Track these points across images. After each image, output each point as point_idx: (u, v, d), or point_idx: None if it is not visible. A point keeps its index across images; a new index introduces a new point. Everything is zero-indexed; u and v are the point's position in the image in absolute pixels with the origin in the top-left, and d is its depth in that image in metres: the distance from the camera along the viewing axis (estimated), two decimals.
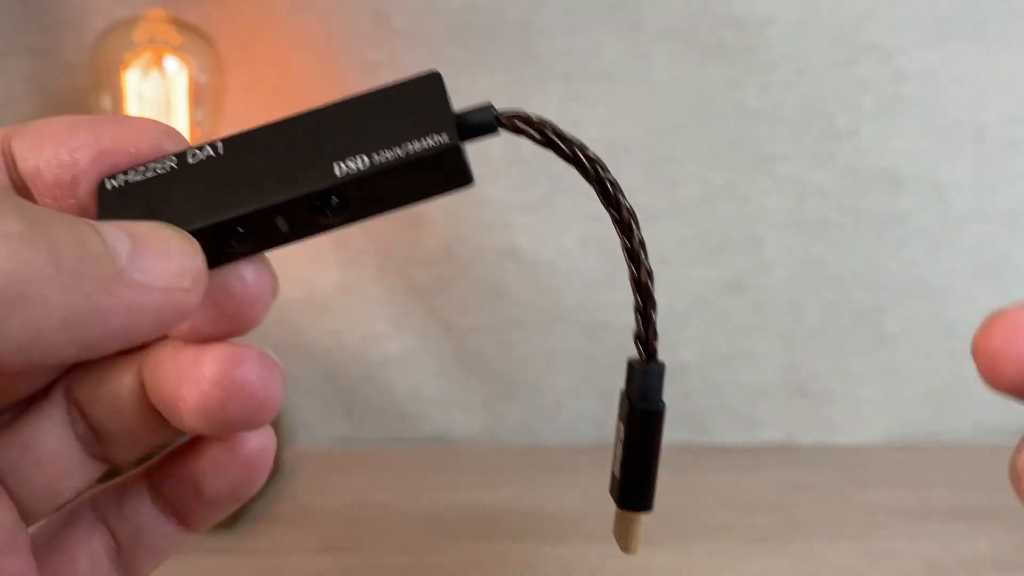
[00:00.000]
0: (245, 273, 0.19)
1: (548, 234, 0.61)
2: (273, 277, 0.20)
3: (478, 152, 0.70)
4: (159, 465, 0.22)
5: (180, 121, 0.54)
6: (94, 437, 0.21)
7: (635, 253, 0.22)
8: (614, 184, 0.22)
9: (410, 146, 0.18)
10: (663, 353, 0.71)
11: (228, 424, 0.19)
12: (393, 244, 0.61)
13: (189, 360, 0.19)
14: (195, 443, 0.21)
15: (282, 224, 0.19)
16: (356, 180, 0.18)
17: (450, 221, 0.60)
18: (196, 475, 0.21)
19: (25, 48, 0.59)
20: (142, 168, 0.19)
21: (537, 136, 0.20)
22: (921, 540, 0.48)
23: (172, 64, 0.53)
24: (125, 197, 0.19)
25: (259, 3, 0.58)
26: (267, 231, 0.19)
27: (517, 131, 0.20)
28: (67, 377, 0.21)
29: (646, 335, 0.23)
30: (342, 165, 0.18)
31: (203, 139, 0.58)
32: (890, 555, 0.47)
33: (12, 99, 0.59)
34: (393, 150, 0.18)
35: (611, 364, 0.62)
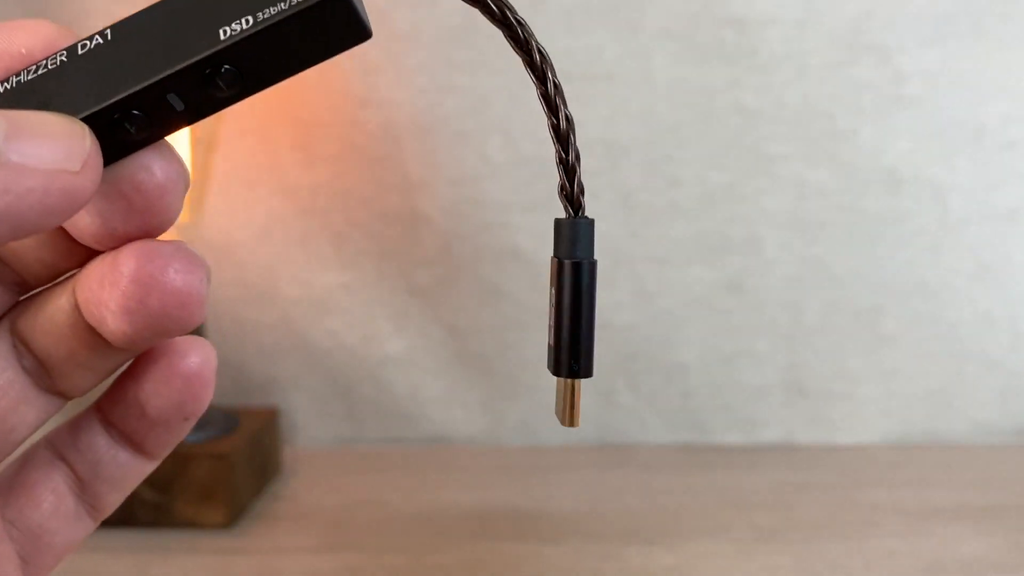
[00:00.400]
0: (150, 162, 0.19)
1: (548, 234, 0.60)
2: (180, 164, 0.19)
3: (478, 152, 0.70)
4: (106, 395, 0.22)
5: None
6: (42, 369, 0.21)
7: (550, 98, 0.21)
8: (523, 25, 0.21)
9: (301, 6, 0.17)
10: (663, 353, 0.72)
11: (151, 322, 0.19)
12: (393, 244, 0.61)
13: (108, 262, 0.19)
14: (136, 365, 0.21)
15: (176, 102, 0.18)
16: (243, 41, 0.17)
17: (450, 221, 0.60)
18: (139, 397, 0.21)
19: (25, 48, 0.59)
20: (32, 67, 0.19)
21: (495, 10, 0.20)
22: (920, 540, 0.48)
23: None
24: (16, 96, 0.18)
25: None
26: (162, 111, 0.18)
27: None
28: (9, 313, 0.21)
29: (571, 189, 0.22)
30: (227, 29, 0.17)
31: (204, 140, 0.58)
32: (889, 555, 0.47)
33: None
34: (277, 5, 0.17)
35: (611, 364, 0.62)
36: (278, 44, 0.18)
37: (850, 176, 0.60)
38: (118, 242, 0.19)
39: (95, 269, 0.19)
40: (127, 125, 0.18)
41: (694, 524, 0.50)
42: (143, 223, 0.19)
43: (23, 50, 0.19)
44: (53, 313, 0.20)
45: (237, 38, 0.17)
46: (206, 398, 0.21)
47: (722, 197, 0.60)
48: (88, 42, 0.19)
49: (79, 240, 0.20)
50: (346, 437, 0.64)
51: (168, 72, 0.17)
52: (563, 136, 0.21)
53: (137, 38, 0.18)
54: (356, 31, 0.18)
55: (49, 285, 0.21)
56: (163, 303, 0.19)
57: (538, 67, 0.21)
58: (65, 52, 0.19)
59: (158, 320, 0.19)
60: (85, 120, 0.18)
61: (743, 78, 0.59)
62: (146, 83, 0.18)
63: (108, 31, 0.19)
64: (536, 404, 0.63)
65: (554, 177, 0.68)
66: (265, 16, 0.17)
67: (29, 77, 0.18)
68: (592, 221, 0.21)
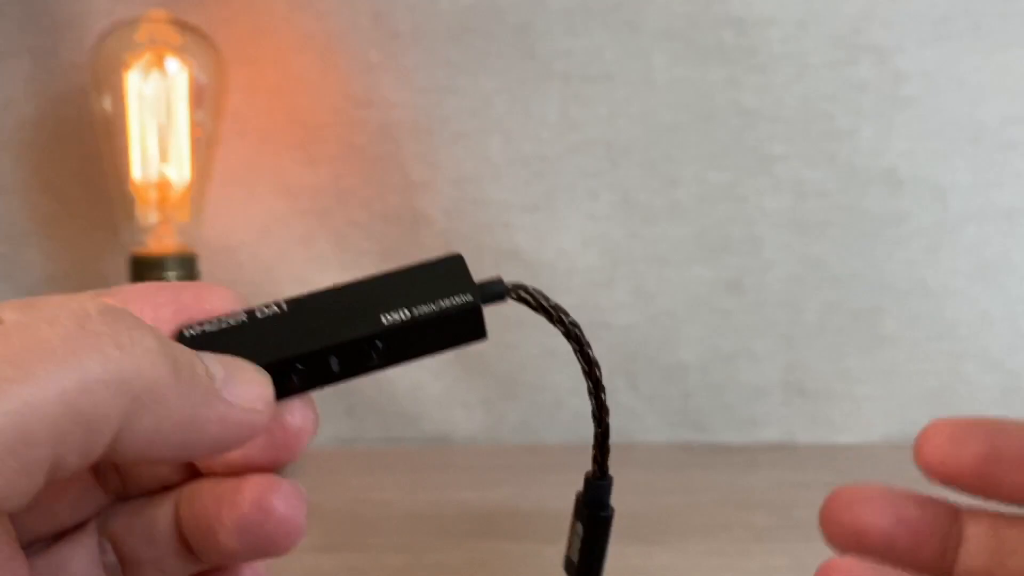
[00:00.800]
0: (296, 409, 0.22)
1: (548, 234, 0.61)
2: (316, 416, 0.23)
3: (478, 152, 0.70)
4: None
5: (181, 121, 0.54)
6: (120, 567, 0.23)
7: (597, 394, 0.28)
8: (586, 344, 0.27)
9: (442, 303, 0.23)
10: (663, 353, 0.71)
11: (258, 545, 0.22)
12: (393, 244, 0.61)
13: (230, 487, 0.22)
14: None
15: (334, 364, 0.22)
16: (398, 327, 0.22)
17: (450, 221, 0.60)
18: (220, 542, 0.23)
19: (26, 49, 0.59)
20: (216, 320, 0.22)
21: (532, 302, 0.26)
22: None
23: (173, 64, 0.54)
24: (202, 342, 0.22)
25: (259, 3, 0.58)
26: (322, 369, 0.22)
27: (519, 299, 0.25)
28: (103, 512, 0.23)
29: (602, 456, 0.29)
30: (387, 316, 0.22)
31: (205, 140, 0.58)
32: None
33: (13, 100, 0.59)
34: (428, 305, 0.23)
35: (611, 364, 0.62)
36: (422, 332, 0.23)
37: (850, 176, 0.60)
38: (241, 470, 0.22)
39: (209, 491, 0.22)
40: (293, 377, 0.22)
41: (694, 524, 0.50)
42: (276, 457, 0.22)
43: (207, 306, 0.23)
44: (152, 520, 0.23)
45: (395, 324, 0.22)
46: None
47: (722, 197, 0.60)
48: (266, 309, 0.23)
49: (206, 463, 0.23)
50: (346, 437, 0.64)
51: (336, 342, 0.22)
52: (603, 412, 0.28)
53: (308, 312, 0.23)
54: (478, 333, 0.24)
55: (146, 494, 0.23)
56: (275, 531, 0.22)
57: (594, 366, 0.27)
58: (245, 314, 0.23)
59: (265, 544, 0.22)
60: (266, 367, 0.22)
61: (743, 78, 0.59)
62: (317, 347, 0.22)
63: (284, 303, 0.23)
64: (536, 404, 0.63)
65: (554, 177, 0.68)
66: (418, 312, 0.23)
67: (212, 329, 0.22)
68: (612, 480, 0.29)
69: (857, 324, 0.62)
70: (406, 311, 0.23)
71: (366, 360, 0.23)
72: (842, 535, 0.26)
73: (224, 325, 0.22)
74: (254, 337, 0.22)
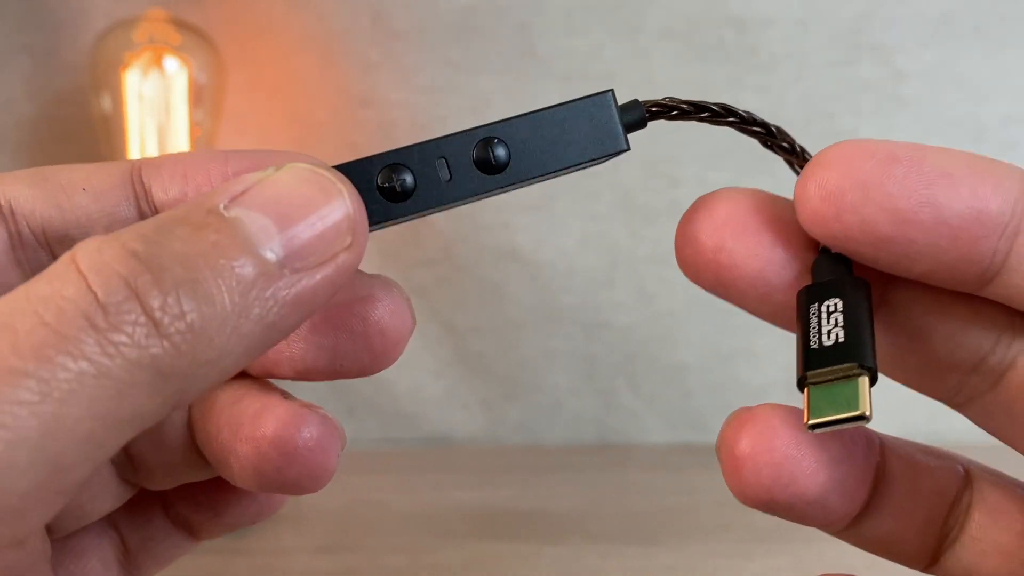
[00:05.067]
0: (400, 308, 0.19)
1: (548, 234, 0.61)
2: (410, 315, 0.19)
3: None
4: (179, 490, 0.22)
5: (180, 121, 0.54)
6: (130, 464, 0.21)
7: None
8: (774, 127, 0.22)
9: (572, 101, 0.19)
10: (663, 353, 0.71)
11: (280, 487, 0.19)
12: (393, 244, 0.61)
13: (249, 415, 0.19)
14: (221, 480, 0.21)
15: (443, 171, 0.18)
16: (517, 119, 0.18)
17: (450, 221, 0.60)
18: (217, 503, 0.21)
19: (25, 48, 0.59)
20: None
21: (683, 108, 0.21)
22: None
23: (172, 64, 0.54)
24: None
25: (259, 3, 0.58)
26: (426, 175, 0.18)
27: (664, 114, 0.21)
28: None
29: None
30: (506, 120, 0.18)
31: (204, 140, 0.58)
32: None
33: (13, 100, 0.59)
34: (554, 106, 0.19)
35: (611, 364, 0.62)
36: (546, 130, 0.19)
37: None
38: (325, 377, 0.19)
39: (226, 410, 0.19)
40: (390, 184, 0.18)
41: (694, 524, 0.50)
42: (370, 364, 0.19)
43: None
44: (163, 424, 0.20)
45: (513, 117, 0.18)
46: (278, 510, 0.22)
47: None
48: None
49: (276, 370, 0.20)
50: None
51: (446, 135, 0.18)
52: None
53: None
54: (615, 139, 0.20)
55: None
56: (300, 474, 0.18)
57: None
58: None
59: (288, 486, 0.19)
60: (346, 172, 0.17)
61: (743, 78, 0.59)
62: (421, 143, 0.18)
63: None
64: (536, 404, 0.63)
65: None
66: (543, 108, 0.19)
67: None
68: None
69: None
70: (526, 113, 0.19)
71: (484, 167, 0.18)
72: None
73: None
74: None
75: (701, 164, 0.60)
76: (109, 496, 0.21)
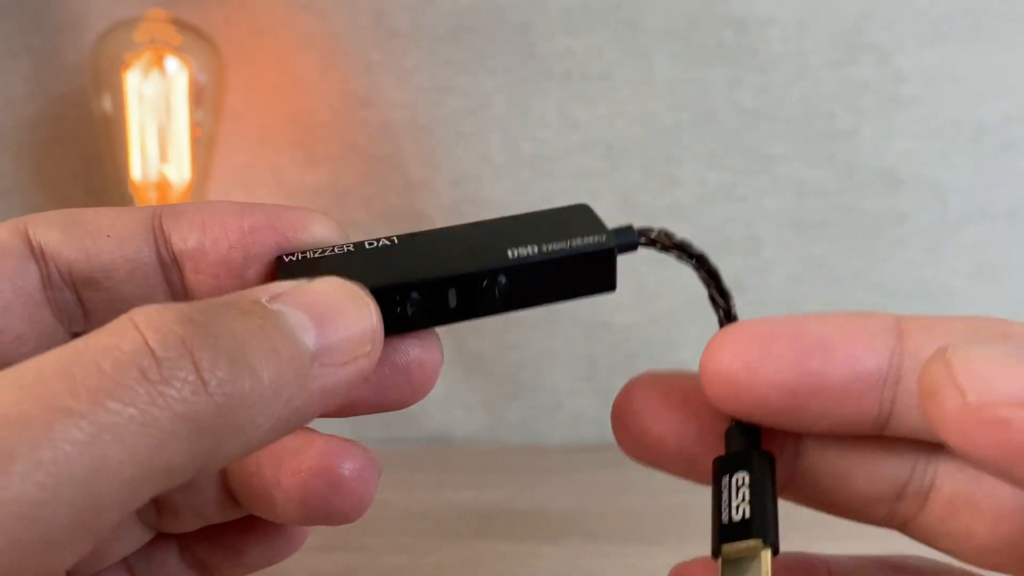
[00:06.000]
0: (431, 343, 0.21)
1: None
2: (440, 348, 0.21)
3: (478, 152, 0.70)
4: (199, 533, 0.22)
5: (180, 121, 0.54)
6: (154, 508, 0.21)
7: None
8: (717, 273, 0.25)
9: (575, 242, 0.21)
10: (663, 353, 0.71)
11: (324, 517, 0.20)
12: None
13: (291, 450, 0.20)
14: (247, 518, 0.22)
15: (452, 298, 0.20)
16: (526, 264, 0.20)
17: (450, 221, 0.60)
18: (240, 545, 0.22)
19: (25, 49, 0.59)
20: (319, 249, 0.20)
21: (667, 243, 0.23)
22: None
23: (172, 64, 0.54)
24: (302, 269, 0.20)
25: (259, 3, 0.58)
26: (438, 301, 0.20)
27: (651, 244, 0.23)
28: None
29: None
30: (514, 251, 0.21)
31: (204, 140, 0.58)
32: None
33: (13, 100, 0.59)
34: (560, 243, 0.21)
35: (611, 364, 0.62)
36: (550, 274, 0.21)
37: (850, 176, 0.60)
38: (367, 411, 0.21)
39: (266, 450, 0.20)
40: (406, 306, 0.20)
41: (694, 524, 0.50)
42: (409, 396, 0.21)
43: (307, 237, 0.20)
44: None
45: (522, 261, 0.20)
46: (297, 549, 0.22)
47: (722, 197, 0.60)
48: (375, 242, 0.21)
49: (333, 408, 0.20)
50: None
51: (458, 272, 0.20)
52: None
53: (425, 247, 0.21)
54: (607, 282, 0.22)
55: None
56: (343, 504, 0.20)
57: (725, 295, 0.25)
58: (353, 245, 0.20)
59: (328, 517, 0.20)
60: (373, 292, 0.19)
61: (743, 78, 0.59)
62: (435, 275, 0.20)
63: (395, 238, 0.21)
64: (536, 404, 0.63)
65: (554, 177, 0.68)
66: (549, 248, 0.21)
67: (315, 255, 0.20)
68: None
69: None
70: (535, 247, 0.21)
71: (488, 298, 0.20)
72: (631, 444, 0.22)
73: (328, 253, 0.20)
74: (362, 265, 0.20)
75: (701, 164, 0.60)
76: (129, 539, 0.21)
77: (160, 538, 0.22)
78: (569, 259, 0.21)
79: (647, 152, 0.60)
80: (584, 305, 0.62)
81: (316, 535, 0.52)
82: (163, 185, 0.55)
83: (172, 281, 0.20)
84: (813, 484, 0.21)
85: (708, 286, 0.24)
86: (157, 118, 0.54)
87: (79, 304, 0.20)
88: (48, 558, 0.14)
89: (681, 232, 0.25)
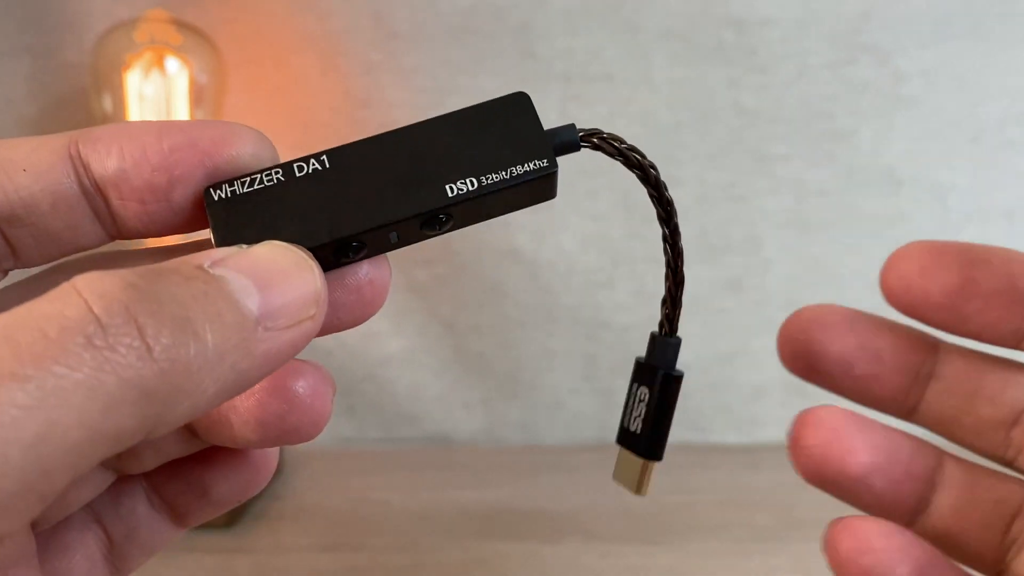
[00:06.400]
0: (380, 263, 0.21)
1: (548, 234, 0.61)
2: (389, 267, 0.21)
3: None
4: (162, 471, 0.22)
5: None
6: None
7: (672, 241, 0.26)
8: (660, 183, 0.25)
9: (515, 169, 0.20)
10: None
11: (281, 435, 0.20)
12: None
13: None
14: (207, 451, 0.21)
15: (393, 237, 0.20)
16: (466, 199, 0.20)
17: None
18: (205, 480, 0.21)
19: (26, 49, 0.59)
20: (246, 179, 0.19)
21: (609, 149, 0.23)
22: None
23: (173, 64, 0.54)
24: (236, 209, 0.19)
25: (259, 3, 0.58)
26: (379, 243, 0.20)
27: (595, 147, 0.23)
28: None
29: (673, 310, 0.28)
30: (453, 187, 0.20)
31: None
32: None
33: (13, 100, 0.59)
34: (499, 173, 0.20)
35: (611, 364, 0.62)
36: (490, 202, 0.20)
37: (850, 176, 0.60)
38: (325, 332, 0.20)
39: None
40: (349, 253, 0.20)
41: (694, 524, 0.50)
42: (361, 314, 0.21)
43: (232, 152, 0.20)
44: None
45: (461, 198, 0.20)
46: (266, 483, 0.22)
47: (722, 197, 0.60)
48: (304, 165, 0.20)
49: None
50: (346, 437, 0.64)
51: (399, 217, 0.19)
52: (678, 274, 0.27)
53: (357, 172, 0.20)
54: (548, 193, 0.21)
55: None
56: (300, 420, 0.20)
57: (666, 212, 0.26)
58: (281, 170, 0.20)
59: (286, 435, 0.20)
60: (313, 250, 0.19)
61: (743, 78, 0.59)
62: (378, 223, 0.19)
63: (324, 157, 0.20)
64: (536, 404, 0.63)
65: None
66: (488, 181, 0.20)
67: (246, 190, 0.19)
68: (680, 340, 0.27)
69: None
70: (474, 180, 0.20)
71: (428, 231, 0.20)
72: (794, 356, 0.25)
73: (257, 185, 0.19)
74: (294, 204, 0.19)
75: (701, 164, 0.60)
76: (91, 484, 0.21)
77: (125, 484, 0.22)
78: (511, 187, 0.20)
79: (647, 152, 0.60)
80: (584, 305, 0.62)
81: (317, 534, 0.52)
82: None
83: (98, 209, 0.20)
84: (941, 405, 0.23)
85: (651, 199, 0.25)
86: (157, 118, 0.54)
87: (5, 241, 0.19)
88: None
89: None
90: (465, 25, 0.58)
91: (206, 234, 0.20)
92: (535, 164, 0.21)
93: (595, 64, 0.59)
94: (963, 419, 0.23)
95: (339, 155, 0.20)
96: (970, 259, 0.22)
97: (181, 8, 0.56)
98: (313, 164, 0.20)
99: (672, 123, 0.59)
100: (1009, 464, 0.23)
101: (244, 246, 0.18)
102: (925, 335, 0.24)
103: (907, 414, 0.24)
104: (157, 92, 0.54)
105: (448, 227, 0.20)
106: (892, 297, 0.23)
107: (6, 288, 0.20)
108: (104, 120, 0.55)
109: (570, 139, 0.22)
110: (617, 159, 0.23)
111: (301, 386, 0.20)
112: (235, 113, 0.58)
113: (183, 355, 0.15)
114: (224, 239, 0.19)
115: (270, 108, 0.59)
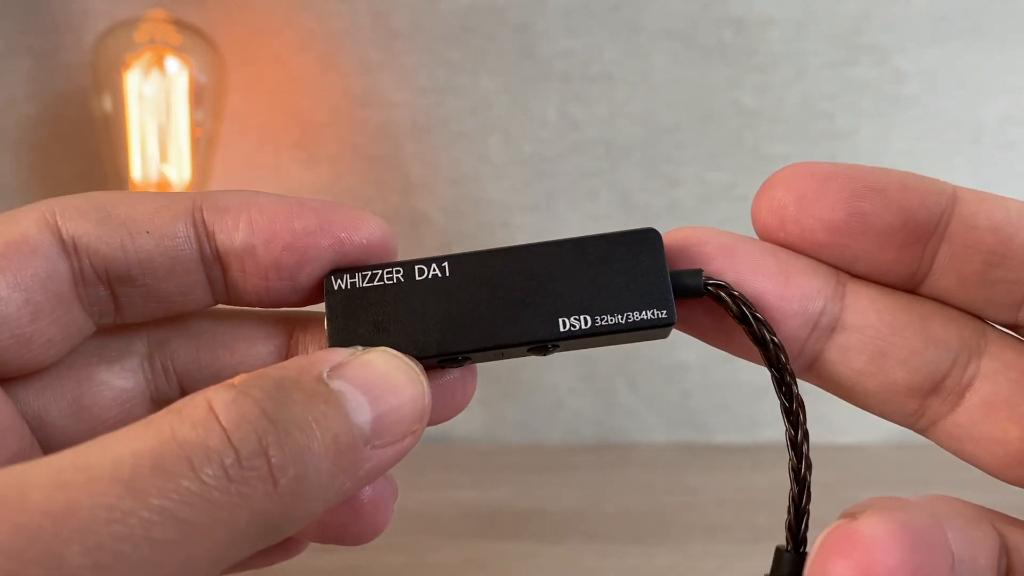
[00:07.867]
0: (470, 378, 0.21)
1: (548, 234, 0.60)
2: (475, 375, 0.21)
3: (478, 152, 0.70)
4: None
5: (181, 121, 0.54)
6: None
7: (798, 444, 0.21)
8: (791, 374, 0.21)
9: (632, 315, 0.20)
10: (663, 353, 0.71)
11: (338, 539, 0.21)
12: None
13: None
14: None
15: (497, 355, 0.20)
16: (576, 336, 0.20)
17: (450, 221, 0.60)
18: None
19: (26, 49, 0.59)
20: (368, 273, 0.20)
21: (733, 309, 0.20)
22: None
23: (173, 64, 0.54)
24: (353, 304, 0.20)
25: (259, 3, 0.58)
26: (484, 358, 0.21)
27: (718, 301, 0.20)
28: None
29: (797, 523, 0.22)
30: (567, 321, 0.20)
31: (204, 140, 0.58)
32: None
33: (14, 100, 0.59)
34: (615, 316, 0.20)
35: (611, 364, 0.62)
36: (600, 340, 0.20)
37: None
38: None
39: None
40: (454, 363, 0.20)
41: (693, 524, 0.50)
42: (448, 415, 0.21)
43: (363, 241, 0.20)
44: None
45: (572, 335, 0.20)
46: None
47: (722, 197, 0.60)
48: (425, 268, 0.20)
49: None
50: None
51: (508, 343, 0.20)
52: (802, 480, 0.21)
53: (475, 288, 0.20)
54: (659, 336, 0.20)
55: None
56: (361, 531, 0.21)
57: (793, 413, 0.21)
58: (401, 271, 0.20)
59: (344, 539, 0.21)
60: (423, 359, 0.19)
61: (743, 78, 0.59)
62: (487, 346, 0.20)
63: (446, 265, 0.20)
64: (535, 404, 0.63)
65: (554, 177, 0.68)
66: (602, 324, 0.20)
67: (365, 284, 0.20)
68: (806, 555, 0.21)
69: None
70: (588, 319, 0.20)
71: (534, 354, 0.21)
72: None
73: (377, 282, 0.20)
74: (410, 310, 0.20)
75: (701, 164, 0.60)
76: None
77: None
78: (623, 332, 0.20)
79: (647, 152, 0.60)
80: None
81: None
82: (163, 185, 0.55)
83: (213, 277, 0.20)
84: (847, 364, 0.20)
85: (773, 382, 0.21)
86: (157, 118, 0.54)
87: (111, 298, 0.20)
88: None
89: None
90: (465, 25, 0.58)
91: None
92: (653, 313, 0.20)
93: (595, 64, 0.59)
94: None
95: (459, 264, 0.20)
96: (860, 187, 0.19)
97: (181, 8, 0.56)
98: (434, 270, 0.20)
99: (672, 123, 0.59)
100: (923, 432, 0.21)
101: (359, 349, 0.18)
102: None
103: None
104: (157, 92, 0.54)
105: (553, 352, 0.21)
106: (765, 232, 0.20)
107: None
108: (103, 119, 0.55)
109: (694, 286, 0.20)
110: (741, 326, 0.20)
111: (367, 495, 0.20)
112: (236, 113, 0.58)
113: (303, 489, 0.16)
114: (338, 334, 0.20)
115: (270, 108, 0.59)
